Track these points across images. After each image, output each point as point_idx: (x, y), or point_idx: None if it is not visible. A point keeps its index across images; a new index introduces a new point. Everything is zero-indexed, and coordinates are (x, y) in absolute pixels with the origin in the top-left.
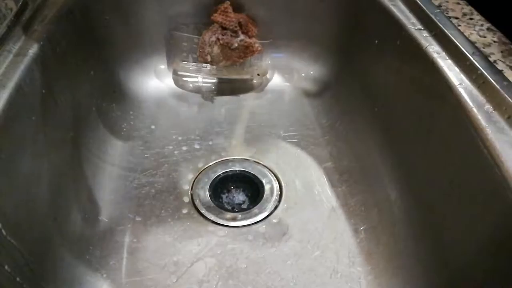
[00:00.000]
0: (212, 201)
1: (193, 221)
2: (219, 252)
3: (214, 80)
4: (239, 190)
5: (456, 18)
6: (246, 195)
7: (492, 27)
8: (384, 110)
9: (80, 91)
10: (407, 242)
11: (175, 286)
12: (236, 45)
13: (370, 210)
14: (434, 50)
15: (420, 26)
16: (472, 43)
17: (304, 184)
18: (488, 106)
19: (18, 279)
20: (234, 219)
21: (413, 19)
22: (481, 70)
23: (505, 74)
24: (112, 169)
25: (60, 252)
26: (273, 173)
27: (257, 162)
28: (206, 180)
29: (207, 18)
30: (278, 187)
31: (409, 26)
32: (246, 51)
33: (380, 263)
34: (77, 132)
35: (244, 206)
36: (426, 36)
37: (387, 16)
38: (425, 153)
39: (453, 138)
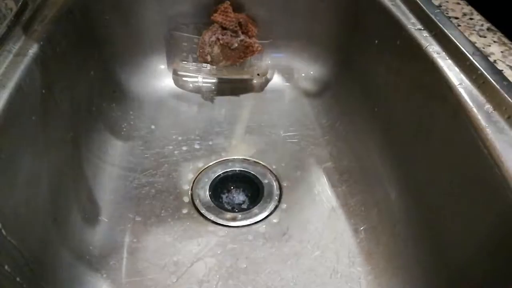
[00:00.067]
0: (212, 201)
1: (193, 221)
2: (219, 252)
3: (214, 80)
4: (239, 190)
5: (456, 18)
6: (246, 195)
7: (492, 27)
8: (384, 110)
9: (80, 91)
10: (407, 242)
11: (175, 286)
12: (236, 45)
13: (370, 210)
14: (434, 50)
15: (420, 26)
16: (472, 43)
17: (304, 184)
18: (488, 106)
19: (18, 279)
20: (234, 219)
21: (413, 19)
22: (481, 70)
23: (505, 74)
24: (112, 169)
25: (60, 252)
26: (273, 173)
27: (257, 162)
28: (206, 180)
29: (207, 18)
30: (278, 187)
31: (409, 26)
32: (246, 51)
33: (380, 263)
34: (77, 132)
35: (244, 206)
36: (426, 36)
37: (387, 16)
38: (425, 153)
39: (453, 138)
